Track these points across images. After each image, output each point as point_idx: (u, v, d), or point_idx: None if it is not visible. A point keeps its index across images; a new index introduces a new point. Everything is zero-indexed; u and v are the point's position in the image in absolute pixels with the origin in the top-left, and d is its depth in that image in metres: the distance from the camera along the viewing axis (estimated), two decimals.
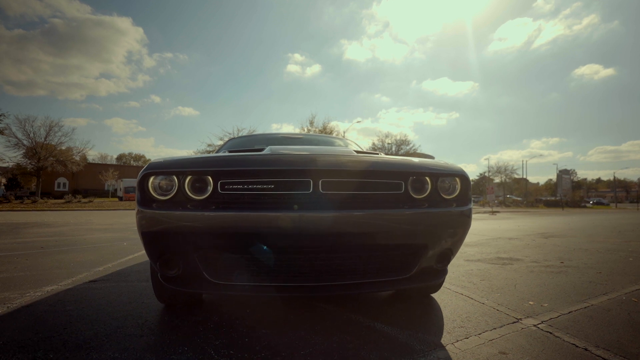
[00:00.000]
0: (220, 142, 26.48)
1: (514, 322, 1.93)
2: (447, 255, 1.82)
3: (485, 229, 8.34)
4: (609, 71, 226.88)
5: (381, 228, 1.61)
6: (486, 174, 51.85)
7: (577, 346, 1.63)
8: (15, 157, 30.22)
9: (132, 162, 78.36)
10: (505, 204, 39.42)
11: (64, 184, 46.59)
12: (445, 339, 1.70)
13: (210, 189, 1.59)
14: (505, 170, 48.84)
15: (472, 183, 1.93)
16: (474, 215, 8.06)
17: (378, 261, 1.72)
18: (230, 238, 1.56)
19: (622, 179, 75.73)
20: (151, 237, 1.59)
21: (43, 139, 30.95)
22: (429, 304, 2.25)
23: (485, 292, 2.55)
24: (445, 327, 1.86)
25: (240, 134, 24.79)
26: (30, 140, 30.34)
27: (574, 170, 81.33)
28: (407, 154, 36.32)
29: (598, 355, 1.53)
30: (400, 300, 2.34)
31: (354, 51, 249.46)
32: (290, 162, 1.59)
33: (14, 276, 2.92)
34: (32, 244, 4.90)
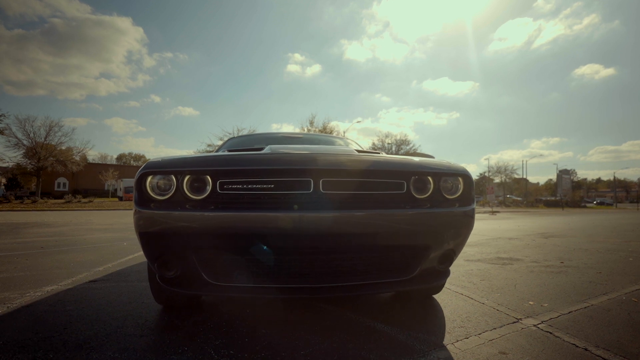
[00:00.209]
0: (220, 142, 26.47)
1: (514, 322, 1.93)
2: (449, 256, 1.79)
3: (485, 229, 8.34)
4: (610, 71, 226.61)
5: (383, 228, 1.58)
6: (486, 174, 51.86)
7: (577, 346, 1.63)
8: (15, 157, 30.30)
9: (132, 162, 78.37)
10: (505, 204, 39.42)
11: (64, 184, 46.61)
12: (445, 339, 1.70)
13: (209, 188, 1.56)
14: (506, 170, 48.89)
15: None
16: None
17: (379, 262, 1.70)
18: (229, 239, 1.53)
19: (622, 179, 75.77)
20: (149, 238, 1.57)
21: (43, 139, 30.97)
22: (429, 304, 2.25)
23: (485, 292, 2.55)
24: (445, 327, 1.86)
25: (240, 134, 24.78)
26: (30, 140, 30.37)
27: (574, 170, 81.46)
28: (407, 153, 36.29)
29: (598, 355, 1.53)
30: (400, 300, 2.34)
31: (354, 51, 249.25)
32: (291, 162, 1.56)
33: (14, 276, 2.92)
34: (32, 244, 4.90)
